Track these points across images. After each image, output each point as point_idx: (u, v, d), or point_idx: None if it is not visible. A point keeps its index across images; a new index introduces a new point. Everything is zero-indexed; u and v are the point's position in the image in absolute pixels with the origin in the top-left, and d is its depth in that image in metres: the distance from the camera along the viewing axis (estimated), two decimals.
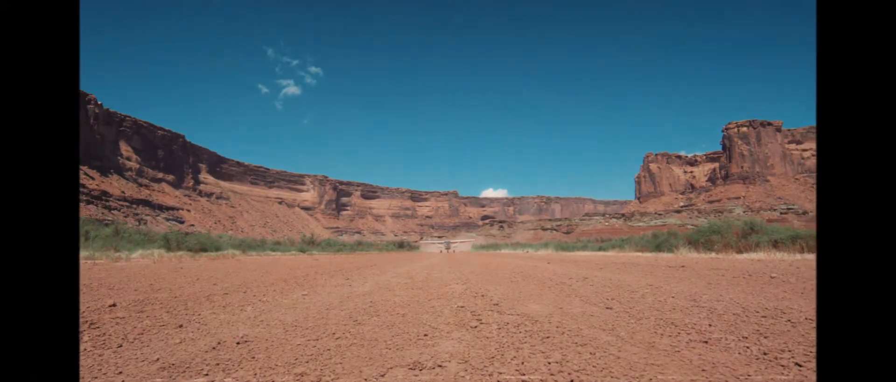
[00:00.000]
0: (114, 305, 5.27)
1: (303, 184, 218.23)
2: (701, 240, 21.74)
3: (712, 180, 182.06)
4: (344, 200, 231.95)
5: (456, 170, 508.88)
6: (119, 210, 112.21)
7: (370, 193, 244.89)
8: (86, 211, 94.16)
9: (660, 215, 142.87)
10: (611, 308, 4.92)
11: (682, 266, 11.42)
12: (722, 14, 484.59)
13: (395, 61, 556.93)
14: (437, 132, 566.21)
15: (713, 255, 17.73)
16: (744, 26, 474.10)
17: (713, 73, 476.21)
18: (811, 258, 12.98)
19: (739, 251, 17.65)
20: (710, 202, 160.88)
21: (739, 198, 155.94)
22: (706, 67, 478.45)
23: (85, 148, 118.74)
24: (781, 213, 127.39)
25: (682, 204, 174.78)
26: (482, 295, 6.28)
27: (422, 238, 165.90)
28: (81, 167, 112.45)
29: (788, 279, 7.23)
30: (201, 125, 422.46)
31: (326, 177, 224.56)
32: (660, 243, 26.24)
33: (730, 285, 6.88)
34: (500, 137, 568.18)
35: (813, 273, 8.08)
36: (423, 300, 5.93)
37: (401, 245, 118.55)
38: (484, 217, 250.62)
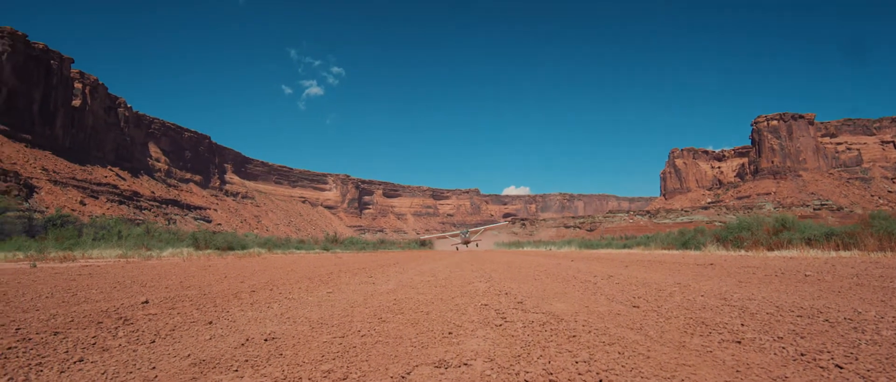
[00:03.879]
0: (146, 302, 5.42)
1: (325, 183, 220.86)
2: (730, 237, 21.19)
3: (741, 175, 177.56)
4: (366, 198, 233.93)
5: (477, 168, 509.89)
6: (149, 210, 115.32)
7: (392, 191, 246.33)
8: (118, 211, 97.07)
9: (686, 211, 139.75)
10: (638, 307, 4.82)
11: (711, 264, 11.16)
12: (750, 4, 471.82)
13: (416, 60, 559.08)
14: (459, 130, 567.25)
15: (742, 252, 17.27)
16: (773, 16, 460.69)
17: (742, 65, 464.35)
18: (847, 256, 12.53)
19: (770, 249, 17.14)
20: (739, 198, 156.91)
21: (770, 194, 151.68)
22: (734, 60, 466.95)
23: (117, 150, 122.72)
24: (815, 209, 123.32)
25: (709, 200, 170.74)
26: (506, 293, 6.23)
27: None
28: (114, 169, 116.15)
29: (824, 278, 6.99)
30: (226, 126, 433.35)
31: (349, 176, 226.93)
32: (686, 240, 25.68)
33: (761, 283, 6.68)
34: (522, 135, 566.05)
35: (851, 271, 7.79)
36: (446, 297, 5.92)
37: (423, 243, 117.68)
38: (506, 215, 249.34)
